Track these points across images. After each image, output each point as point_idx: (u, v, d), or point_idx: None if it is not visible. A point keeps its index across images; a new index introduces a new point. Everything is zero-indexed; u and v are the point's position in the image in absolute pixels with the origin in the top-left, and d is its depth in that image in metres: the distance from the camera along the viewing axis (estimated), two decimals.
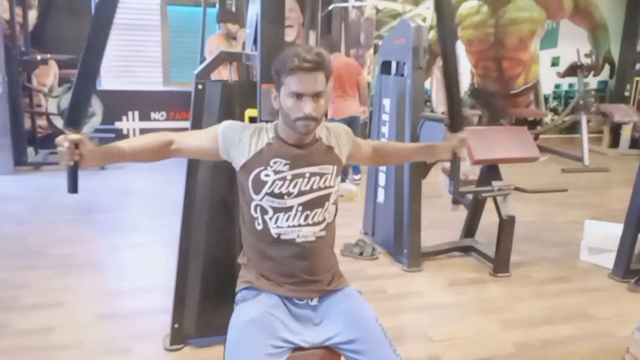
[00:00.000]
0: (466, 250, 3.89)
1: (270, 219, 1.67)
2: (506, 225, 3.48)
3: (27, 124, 6.38)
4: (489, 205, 3.71)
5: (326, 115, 6.32)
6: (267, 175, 1.65)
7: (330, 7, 6.82)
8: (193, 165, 2.36)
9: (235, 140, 1.69)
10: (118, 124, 7.06)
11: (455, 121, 2.01)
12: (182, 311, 2.46)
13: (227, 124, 1.74)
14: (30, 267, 3.37)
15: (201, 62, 5.88)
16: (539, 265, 3.75)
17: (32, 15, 6.51)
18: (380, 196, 3.90)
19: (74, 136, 1.49)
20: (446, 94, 2.00)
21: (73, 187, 1.59)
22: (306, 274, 1.70)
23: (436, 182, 4.40)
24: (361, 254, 3.73)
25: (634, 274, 3.41)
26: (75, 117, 1.55)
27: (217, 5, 6.15)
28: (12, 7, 5.98)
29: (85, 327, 2.69)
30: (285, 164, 1.66)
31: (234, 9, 6.22)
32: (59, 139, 1.49)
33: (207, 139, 1.72)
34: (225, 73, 3.72)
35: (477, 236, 3.96)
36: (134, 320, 2.78)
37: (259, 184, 1.66)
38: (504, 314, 3.03)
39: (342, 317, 1.65)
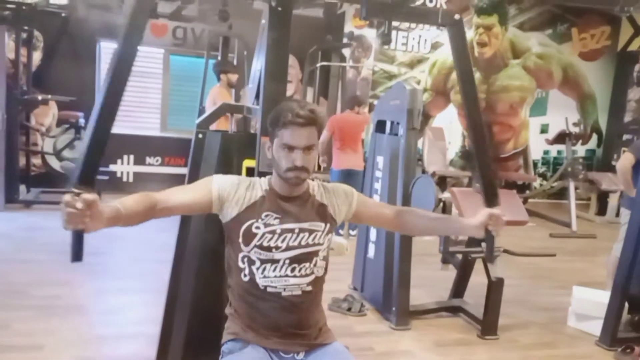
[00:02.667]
0: (454, 310, 3.87)
1: (257, 269, 1.68)
2: (495, 287, 3.49)
3: (22, 161, 6.41)
4: (478, 266, 3.73)
5: (319, 167, 6.44)
6: (257, 227, 1.68)
7: (317, 65, 7.02)
8: (186, 217, 2.38)
9: (232, 193, 1.70)
10: (112, 167, 7.08)
11: (489, 195, 1.97)
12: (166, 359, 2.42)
13: (220, 177, 1.74)
14: (12, 308, 3.31)
15: (200, 111, 5.99)
16: (527, 329, 3.73)
17: (37, 56, 6.66)
18: (371, 251, 3.92)
19: (88, 196, 1.34)
20: (479, 166, 2.01)
21: (78, 255, 1.45)
22: (292, 327, 1.70)
23: (426, 240, 4.42)
24: (349, 309, 3.71)
25: (620, 342, 3.40)
26: (88, 174, 1.48)
27: (220, 57, 6.32)
28: (18, 47, 6.13)
29: None
30: (276, 218, 1.69)
31: (235, 62, 6.40)
32: (69, 198, 1.33)
33: (199, 193, 1.68)
34: (222, 124, 3.81)
35: (465, 297, 3.95)
36: None
37: (249, 236, 1.68)
38: None
39: None
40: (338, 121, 5.64)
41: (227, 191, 1.70)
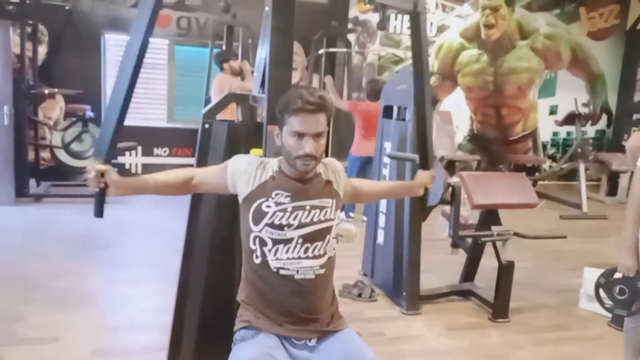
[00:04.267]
0: (465, 294, 3.87)
1: (270, 251, 1.68)
2: (505, 271, 3.48)
3: (31, 155, 6.44)
4: (488, 249, 3.72)
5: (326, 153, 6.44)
6: (268, 206, 1.68)
7: (322, 51, 6.97)
8: (196, 203, 2.38)
9: (242, 170, 1.73)
10: (121, 159, 7.11)
11: (424, 160, 2.27)
12: (179, 349, 2.43)
13: (236, 157, 1.81)
14: (26, 300, 3.34)
15: (206, 100, 5.98)
16: (538, 311, 3.73)
17: (42, 50, 6.65)
18: (380, 237, 3.92)
19: (99, 167, 1.61)
20: (417, 133, 2.28)
21: (99, 212, 1.72)
22: (305, 312, 1.71)
23: (436, 225, 4.41)
24: (360, 295, 3.72)
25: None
26: (102, 148, 1.66)
27: (224, 46, 6.30)
28: (23, 42, 6.13)
29: None
30: (287, 196, 1.70)
31: (240, 51, 6.37)
32: (88, 166, 1.64)
33: (218, 173, 1.78)
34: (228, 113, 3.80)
35: (476, 280, 3.95)
36: (130, 357, 2.76)
37: (259, 215, 1.68)
38: None
39: None
40: (363, 110, 5.60)
41: (237, 170, 1.75)
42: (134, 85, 1.68)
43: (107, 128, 1.68)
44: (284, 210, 1.68)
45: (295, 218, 1.68)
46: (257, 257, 1.70)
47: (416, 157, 2.34)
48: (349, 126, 6.12)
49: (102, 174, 1.61)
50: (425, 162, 2.27)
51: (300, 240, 1.68)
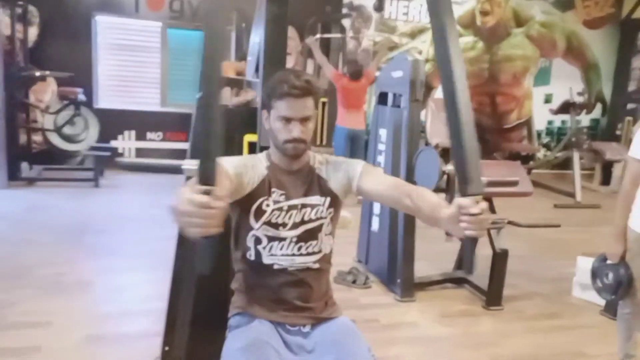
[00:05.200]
0: (459, 282, 3.88)
1: (264, 248, 1.67)
2: (499, 259, 3.49)
3: (23, 139, 6.38)
4: (482, 237, 3.72)
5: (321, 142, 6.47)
6: (267, 205, 1.66)
7: (317, 36, 6.87)
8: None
9: (241, 170, 1.65)
10: (114, 143, 7.06)
11: (465, 179, 1.31)
12: (173, 334, 2.42)
13: (228, 163, 1.61)
14: (18, 286, 3.32)
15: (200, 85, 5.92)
16: (531, 300, 3.75)
17: (33, 32, 6.56)
18: (375, 225, 3.91)
19: (221, 193, 1.16)
20: (453, 143, 1.33)
21: (208, 266, 1.21)
22: (299, 300, 1.70)
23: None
24: (354, 282, 3.72)
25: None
26: (210, 169, 1.16)
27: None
28: (13, 23, 6.05)
29: (72, 349, 2.65)
30: (282, 194, 1.67)
31: (234, 35, 6.30)
32: (203, 199, 1.12)
33: (230, 180, 1.53)
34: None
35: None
36: (123, 343, 2.74)
37: (259, 213, 1.66)
38: (495, 348, 3.02)
39: (335, 348, 1.63)
40: (344, 86, 5.87)
41: (238, 167, 1.62)
42: (220, 76, 1.32)
43: (210, 140, 1.18)
44: (280, 209, 1.66)
45: (289, 218, 1.67)
46: (250, 255, 1.68)
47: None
48: None
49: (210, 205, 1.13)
50: (465, 183, 1.30)
51: (295, 239, 1.67)
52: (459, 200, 1.31)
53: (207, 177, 1.13)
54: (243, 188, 1.63)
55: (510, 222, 3.60)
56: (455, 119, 1.30)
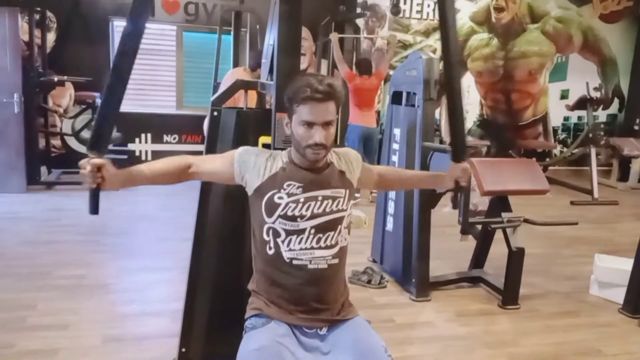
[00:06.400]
0: (475, 281, 3.86)
1: (283, 242, 1.68)
2: (515, 257, 3.47)
3: (41, 143, 6.48)
4: (498, 236, 3.71)
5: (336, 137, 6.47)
6: (280, 197, 1.68)
7: (337, 35, 6.87)
8: (205, 192, 2.38)
9: (251, 163, 1.73)
10: (131, 146, 7.14)
11: (458, 151, 2.04)
12: (190, 335, 2.45)
13: (243, 148, 1.79)
14: (38, 288, 3.38)
15: (214, 87, 5.96)
16: (548, 298, 3.72)
17: (51, 37, 6.67)
18: (389, 224, 3.91)
19: (96, 160, 1.54)
20: (450, 123, 2.05)
21: (94, 209, 1.62)
22: (316, 301, 1.71)
23: (445, 212, 4.40)
24: (369, 282, 3.72)
25: None
26: (98, 141, 1.59)
27: (232, 32, 6.24)
28: (32, 29, 6.14)
29: (92, 350, 2.69)
30: (299, 187, 1.69)
31: (247, 37, 6.33)
32: (82, 162, 1.54)
33: (224, 163, 1.77)
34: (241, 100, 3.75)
35: (485, 267, 3.94)
36: (141, 344, 2.78)
37: (272, 207, 1.68)
38: (513, 347, 3.00)
39: (351, 348, 1.64)
40: (357, 85, 5.91)
41: (246, 162, 1.74)
42: (128, 73, 1.62)
43: (102, 118, 1.62)
44: (297, 202, 1.68)
45: (308, 209, 1.68)
46: (270, 248, 1.70)
47: (447, 147, 2.28)
48: None
49: (98, 169, 1.54)
50: (458, 153, 2.03)
51: (313, 231, 1.68)
52: (461, 164, 2.01)
53: (91, 148, 1.57)
54: (249, 177, 1.74)
55: (526, 220, 3.57)
56: (451, 106, 2.01)
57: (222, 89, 5.44)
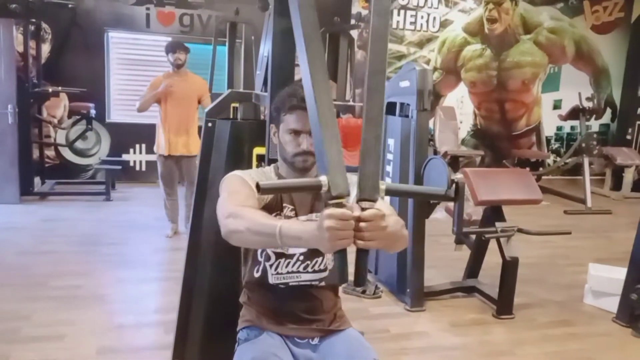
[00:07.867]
0: (469, 290, 3.87)
1: (271, 266, 1.69)
2: (510, 267, 3.48)
3: (35, 154, 6.48)
4: (492, 246, 3.72)
5: None
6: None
7: (325, 48, 6.89)
8: (199, 204, 2.39)
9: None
10: (125, 156, 7.13)
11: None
12: (184, 347, 2.44)
13: (241, 174, 1.65)
14: (33, 299, 3.36)
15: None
16: (543, 307, 3.73)
17: (45, 48, 6.68)
18: None
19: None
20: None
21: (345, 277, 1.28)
22: (307, 313, 1.71)
23: (439, 221, 4.42)
24: (364, 292, 3.72)
25: (638, 319, 3.38)
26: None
27: (227, 43, 6.28)
28: (26, 40, 6.16)
29: None
30: (292, 210, 1.69)
31: (242, 48, 6.36)
32: (345, 212, 1.18)
33: (252, 194, 1.58)
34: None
35: (480, 277, 3.95)
36: (135, 355, 2.77)
37: None
38: (508, 357, 3.00)
39: None
40: (342, 127, 5.64)
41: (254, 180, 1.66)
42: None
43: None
44: None
45: None
46: (257, 271, 1.71)
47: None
48: None
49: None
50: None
51: (301, 257, 1.69)
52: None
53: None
54: (259, 203, 1.64)
55: (520, 230, 3.59)
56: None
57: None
